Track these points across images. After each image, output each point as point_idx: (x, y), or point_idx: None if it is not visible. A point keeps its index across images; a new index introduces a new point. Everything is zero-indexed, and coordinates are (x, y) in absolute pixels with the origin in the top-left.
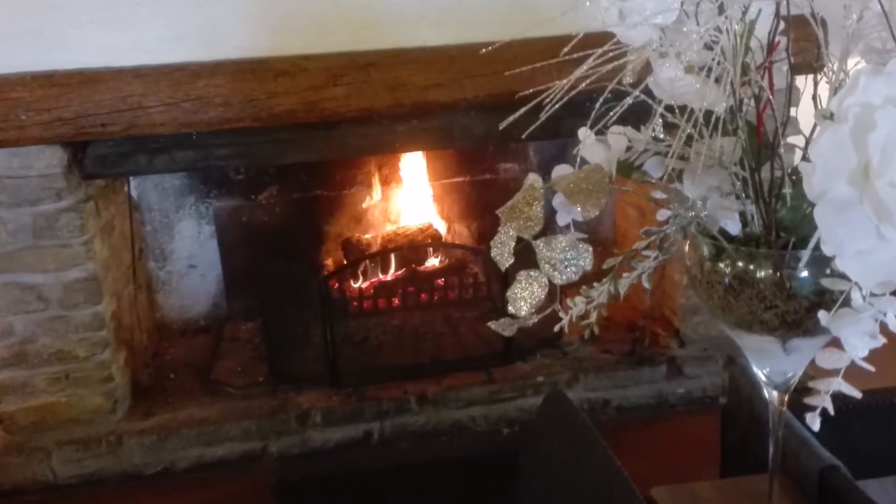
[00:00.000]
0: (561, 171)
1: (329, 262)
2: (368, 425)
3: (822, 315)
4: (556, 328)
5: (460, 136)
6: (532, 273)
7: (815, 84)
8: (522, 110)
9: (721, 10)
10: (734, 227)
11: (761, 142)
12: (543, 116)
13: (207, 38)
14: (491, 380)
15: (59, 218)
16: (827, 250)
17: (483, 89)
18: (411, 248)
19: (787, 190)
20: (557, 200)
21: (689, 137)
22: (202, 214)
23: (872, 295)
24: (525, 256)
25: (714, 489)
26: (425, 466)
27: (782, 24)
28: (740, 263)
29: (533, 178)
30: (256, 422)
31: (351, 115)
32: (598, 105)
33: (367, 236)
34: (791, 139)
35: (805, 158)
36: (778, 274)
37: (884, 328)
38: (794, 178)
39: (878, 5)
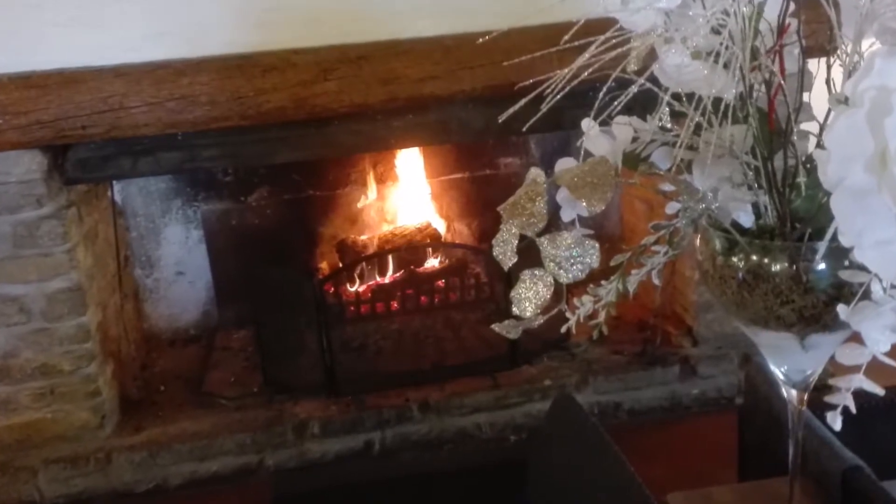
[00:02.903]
0: (564, 164)
1: (324, 265)
2: (369, 435)
3: (842, 309)
4: (563, 329)
5: (458, 130)
6: (536, 272)
7: (829, 67)
8: (522, 102)
9: None
10: (747, 219)
11: (773, 129)
12: (545, 108)
13: (191, 33)
14: (496, 385)
15: (40, 226)
16: (845, 241)
17: (481, 81)
18: (410, 248)
19: (802, 179)
20: (561, 195)
21: (698, 126)
22: (190, 219)
23: (893, 287)
24: (529, 255)
25: (732, 493)
26: (429, 477)
27: (792, 6)
28: (754, 257)
29: (535, 173)
30: (251, 434)
31: (343, 110)
32: (601, 95)
33: (363, 237)
34: (804, 126)
35: (819, 146)
36: (794, 267)
37: None
38: (808, 166)
39: None
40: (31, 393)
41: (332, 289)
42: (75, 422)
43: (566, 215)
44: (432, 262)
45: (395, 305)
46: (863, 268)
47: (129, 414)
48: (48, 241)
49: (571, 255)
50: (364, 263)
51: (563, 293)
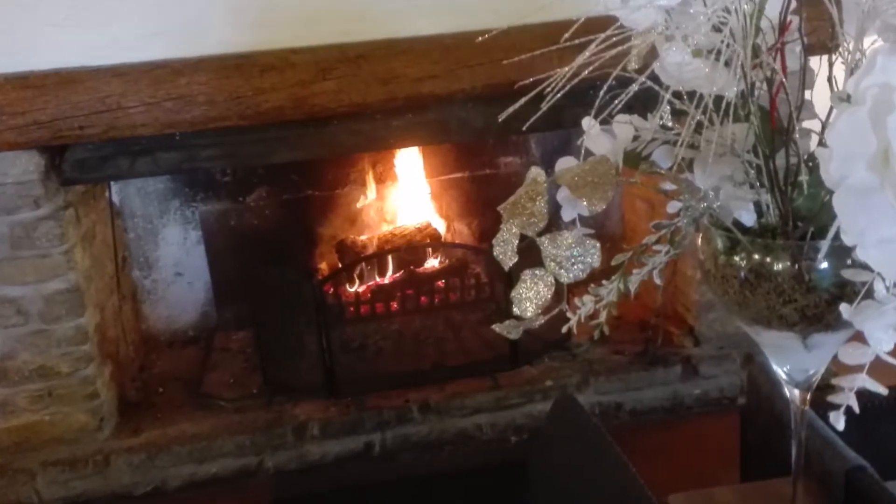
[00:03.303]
0: (565, 163)
1: (323, 265)
2: (369, 437)
3: (844, 308)
4: (564, 329)
5: (458, 129)
6: (537, 272)
7: (830, 65)
8: (522, 101)
9: None
10: (749, 218)
11: (775, 127)
12: (545, 106)
13: (189, 33)
14: (497, 385)
15: (38, 227)
16: (847, 240)
17: (480, 79)
18: (409, 248)
19: (804, 177)
20: (562, 195)
21: (699, 125)
22: (188, 219)
23: None
24: (529, 255)
25: (734, 494)
26: (430, 479)
27: (794, 3)
28: (756, 256)
29: (535, 172)
30: (251, 436)
31: (342, 110)
32: (602, 93)
33: (363, 238)
34: (806, 124)
35: (822, 144)
36: (796, 266)
37: None
38: (810, 164)
39: None
40: (28, 395)
41: (332, 289)
42: (73, 424)
43: (567, 215)
44: (432, 262)
45: (395, 306)
46: (865, 266)
47: (127, 416)
48: (46, 243)
49: (572, 254)
50: (364, 264)
51: (564, 293)
